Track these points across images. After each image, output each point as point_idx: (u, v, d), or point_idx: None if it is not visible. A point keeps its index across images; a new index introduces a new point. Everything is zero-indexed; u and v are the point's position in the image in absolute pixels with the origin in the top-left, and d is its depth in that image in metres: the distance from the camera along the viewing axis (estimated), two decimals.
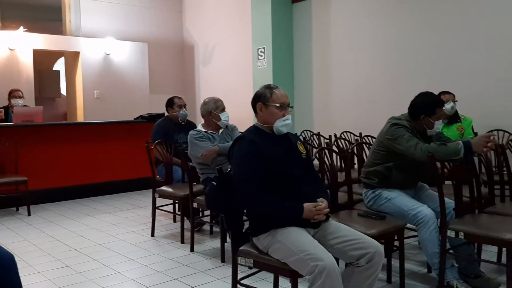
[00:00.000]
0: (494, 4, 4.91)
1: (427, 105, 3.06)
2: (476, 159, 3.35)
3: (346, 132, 5.42)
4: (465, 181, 3.04)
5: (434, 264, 2.88)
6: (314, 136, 5.54)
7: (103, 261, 3.68)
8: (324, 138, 5.34)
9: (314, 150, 4.18)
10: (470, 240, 2.84)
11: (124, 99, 8.06)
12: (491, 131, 4.76)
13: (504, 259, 3.10)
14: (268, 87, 2.53)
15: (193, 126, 4.69)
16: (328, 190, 2.76)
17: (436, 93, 4.52)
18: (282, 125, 2.46)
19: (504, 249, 3.01)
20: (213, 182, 2.48)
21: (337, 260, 2.78)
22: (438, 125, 3.08)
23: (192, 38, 8.81)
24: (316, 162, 2.99)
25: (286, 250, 2.19)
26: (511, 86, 4.81)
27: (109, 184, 6.42)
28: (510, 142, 3.79)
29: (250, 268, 2.65)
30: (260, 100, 2.49)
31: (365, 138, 4.83)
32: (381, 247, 2.27)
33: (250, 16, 7.09)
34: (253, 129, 2.52)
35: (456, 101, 4.51)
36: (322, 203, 2.34)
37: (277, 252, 2.24)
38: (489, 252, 3.45)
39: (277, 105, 2.45)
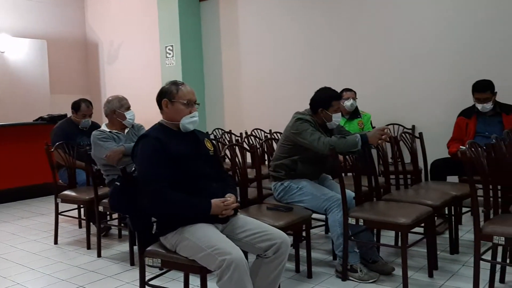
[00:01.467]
0: (391, 11, 5.27)
1: (323, 99, 3.23)
2: (374, 151, 3.59)
3: (256, 129, 5.52)
4: (364, 172, 3.25)
5: (339, 246, 3.03)
6: (226, 134, 5.57)
7: (1, 272, 3.39)
8: (235, 136, 5.39)
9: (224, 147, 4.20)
10: (369, 226, 3.04)
11: (22, 100, 7.47)
12: (388, 125, 5.14)
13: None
14: (174, 83, 2.49)
15: (97, 127, 4.48)
16: (237, 187, 2.81)
17: (339, 90, 4.81)
18: (188, 122, 2.43)
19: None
20: (116, 183, 2.39)
21: (246, 254, 2.85)
22: (337, 117, 3.25)
23: (95, 35, 8.42)
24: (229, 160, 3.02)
25: (193, 246, 2.18)
26: (406, 85, 5.20)
27: (6, 192, 5.93)
28: (403, 135, 4.10)
29: (161, 269, 2.61)
30: (166, 96, 2.45)
31: (275, 134, 4.96)
32: (287, 238, 2.35)
33: (156, 13, 6.94)
34: (158, 127, 2.47)
35: (356, 98, 4.81)
36: (230, 198, 2.36)
37: (185, 249, 2.22)
38: (388, 237, 3.71)
39: (184, 101, 2.42)
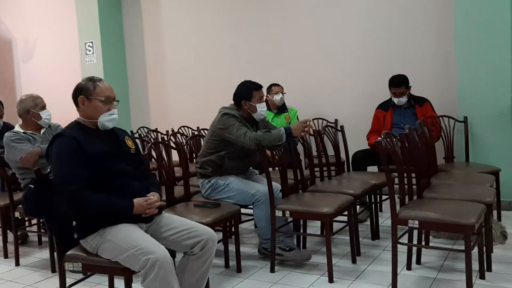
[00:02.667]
0: (315, 10, 5.40)
1: (244, 91, 3.29)
2: (300, 146, 3.68)
3: (184, 126, 5.45)
4: (289, 166, 3.33)
5: (264, 237, 3.13)
6: (151, 133, 5.45)
7: None
8: (162, 134, 5.29)
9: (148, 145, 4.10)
10: (295, 217, 3.12)
11: None
12: (313, 119, 5.30)
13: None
14: (91, 79, 2.38)
15: (10, 128, 4.19)
16: (164, 185, 2.76)
17: (266, 85, 4.87)
18: (107, 120, 2.34)
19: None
20: (30, 185, 2.25)
21: (175, 253, 2.81)
22: (262, 107, 3.30)
23: (8, 32, 7.86)
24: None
25: (116, 248, 2.10)
26: (329, 81, 5.38)
27: None
28: (326, 128, 4.24)
29: (84, 274, 2.50)
30: (82, 93, 2.34)
31: (202, 131, 4.93)
32: (213, 233, 2.34)
33: (74, 8, 6.62)
34: (74, 125, 2.35)
35: (284, 93, 4.90)
36: (154, 196, 2.31)
37: (107, 251, 2.14)
38: (314, 227, 3.81)
39: (102, 98, 2.32)
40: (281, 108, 4.91)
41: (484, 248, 2.81)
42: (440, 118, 4.38)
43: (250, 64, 5.79)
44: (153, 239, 2.17)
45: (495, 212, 3.82)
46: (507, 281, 2.70)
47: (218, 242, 3.03)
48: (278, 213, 2.99)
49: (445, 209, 2.61)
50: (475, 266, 2.73)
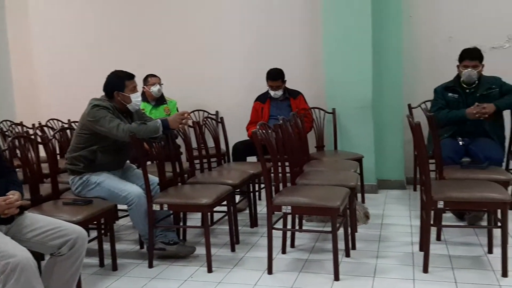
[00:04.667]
0: (195, 3, 5.40)
1: (116, 81, 3.14)
2: (181, 139, 3.64)
3: (52, 119, 5.06)
4: (168, 159, 3.27)
5: (145, 236, 3.03)
6: (15, 126, 4.95)
7: None
8: (27, 127, 4.84)
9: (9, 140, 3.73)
10: (174, 210, 3.09)
11: None
12: (194, 111, 5.27)
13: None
14: None
15: None
16: (27, 183, 2.52)
17: (143, 76, 4.73)
18: None
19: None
20: None
21: (43, 255, 2.61)
22: (136, 97, 3.18)
23: None
24: None
25: None
26: (209, 74, 5.36)
27: None
28: (206, 120, 4.25)
29: None
30: None
31: (73, 124, 4.60)
32: (83, 232, 2.22)
33: None
34: None
35: (162, 84, 4.79)
36: (13, 195, 2.11)
37: None
38: (196, 219, 3.80)
39: None
40: (160, 100, 4.80)
41: (349, 229, 3.07)
42: (312, 109, 4.67)
43: (127, 55, 5.54)
44: (14, 241, 1.99)
45: (359, 195, 4.20)
46: (369, 257, 2.98)
47: (92, 240, 2.92)
48: (156, 207, 2.93)
49: (315, 194, 2.79)
50: (342, 245, 2.97)
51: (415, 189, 4.52)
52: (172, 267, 2.96)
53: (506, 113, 3.83)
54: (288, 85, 4.60)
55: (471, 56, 3.71)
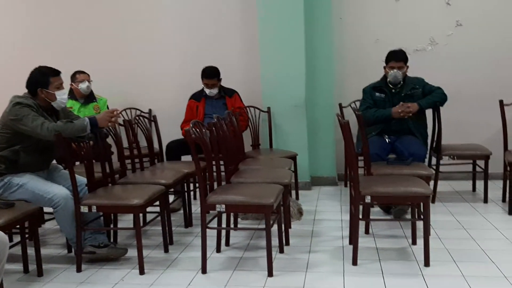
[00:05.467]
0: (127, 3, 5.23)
1: (40, 77, 2.99)
2: (111, 138, 3.50)
3: None
4: (97, 158, 3.14)
5: (72, 240, 2.91)
6: None
7: None
8: None
9: None
10: (103, 211, 2.98)
11: None
12: (125, 109, 5.12)
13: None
14: None
15: None
16: None
17: (71, 73, 4.51)
18: None
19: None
20: None
21: None
22: (62, 95, 3.03)
23: None
24: None
25: None
26: (141, 70, 5.23)
27: None
28: (138, 118, 4.13)
29: None
30: None
31: None
32: (4, 237, 2.08)
33: None
34: None
35: (91, 81, 4.60)
36: None
37: None
38: (127, 221, 3.69)
39: None
40: (89, 98, 4.60)
41: (283, 225, 3.11)
42: (248, 108, 4.69)
43: (54, 50, 5.27)
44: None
45: (293, 192, 4.28)
46: (302, 252, 3.04)
47: (15, 245, 2.75)
48: (84, 209, 2.81)
49: (249, 192, 2.80)
50: (276, 242, 3.01)
51: (346, 185, 4.68)
52: (102, 271, 2.85)
53: (428, 112, 4.07)
54: (224, 83, 4.59)
55: (397, 57, 3.91)
